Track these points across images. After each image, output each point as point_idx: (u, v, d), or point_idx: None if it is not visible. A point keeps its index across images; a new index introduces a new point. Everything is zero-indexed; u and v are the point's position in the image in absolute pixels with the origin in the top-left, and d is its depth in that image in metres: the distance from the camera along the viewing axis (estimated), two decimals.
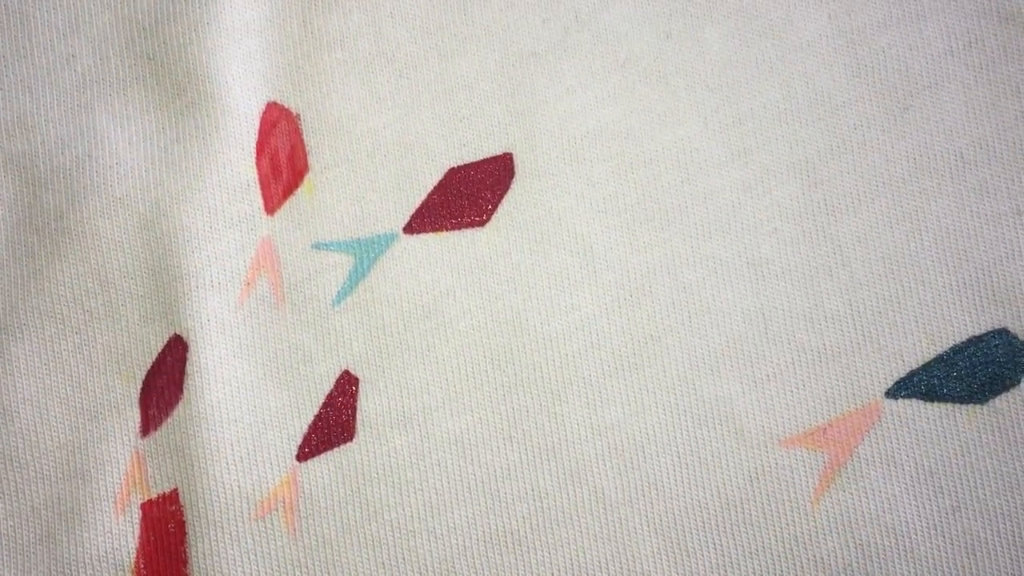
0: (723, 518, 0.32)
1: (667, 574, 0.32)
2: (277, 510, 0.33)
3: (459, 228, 0.34)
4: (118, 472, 0.34)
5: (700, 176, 0.34)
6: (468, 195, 0.34)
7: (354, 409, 0.33)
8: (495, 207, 0.34)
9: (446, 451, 0.33)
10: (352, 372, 0.34)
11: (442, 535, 0.33)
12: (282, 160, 0.35)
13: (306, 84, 0.35)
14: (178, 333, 0.34)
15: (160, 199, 0.35)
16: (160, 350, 0.34)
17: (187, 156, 0.35)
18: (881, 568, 0.31)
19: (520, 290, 0.34)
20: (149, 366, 0.34)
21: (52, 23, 0.36)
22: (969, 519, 0.31)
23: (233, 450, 0.33)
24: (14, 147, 0.35)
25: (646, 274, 0.33)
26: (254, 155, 0.35)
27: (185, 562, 0.33)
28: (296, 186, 0.35)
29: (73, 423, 0.34)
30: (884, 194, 0.33)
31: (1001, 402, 0.32)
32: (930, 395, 0.32)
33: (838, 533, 0.31)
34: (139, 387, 0.34)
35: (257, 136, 0.35)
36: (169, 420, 0.34)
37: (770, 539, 0.32)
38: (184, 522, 0.33)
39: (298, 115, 0.35)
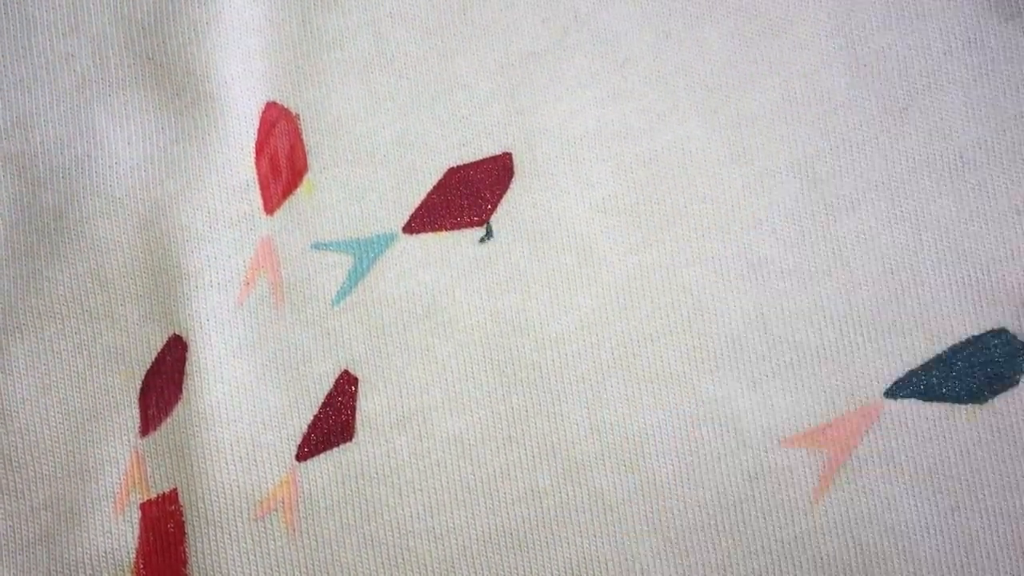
0: (722, 518, 0.32)
1: (667, 574, 0.32)
2: (276, 510, 0.33)
3: (458, 228, 0.34)
4: (117, 472, 0.34)
5: (699, 176, 0.34)
6: (467, 195, 0.34)
7: (353, 409, 0.33)
8: (494, 207, 0.34)
9: (446, 451, 0.33)
10: (351, 372, 0.34)
11: (441, 535, 0.33)
12: (281, 160, 0.35)
13: (305, 84, 0.35)
14: (177, 333, 0.34)
15: (159, 199, 0.35)
16: (159, 350, 0.34)
17: (186, 156, 0.35)
18: (880, 568, 0.31)
19: (519, 290, 0.34)
20: (148, 366, 0.34)
21: (51, 22, 0.36)
22: (968, 519, 0.31)
23: (232, 450, 0.33)
24: (13, 147, 0.35)
25: (645, 274, 0.33)
26: (253, 155, 0.35)
27: (184, 562, 0.33)
28: (295, 186, 0.35)
29: (72, 423, 0.34)
30: (883, 194, 0.33)
31: (1000, 402, 0.32)
32: (929, 395, 0.32)
33: (837, 533, 0.31)
34: (138, 387, 0.34)
35: (256, 136, 0.35)
36: (168, 420, 0.34)
37: (769, 539, 0.32)
38: (183, 522, 0.33)
39: (297, 115, 0.35)
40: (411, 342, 0.34)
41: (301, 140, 0.35)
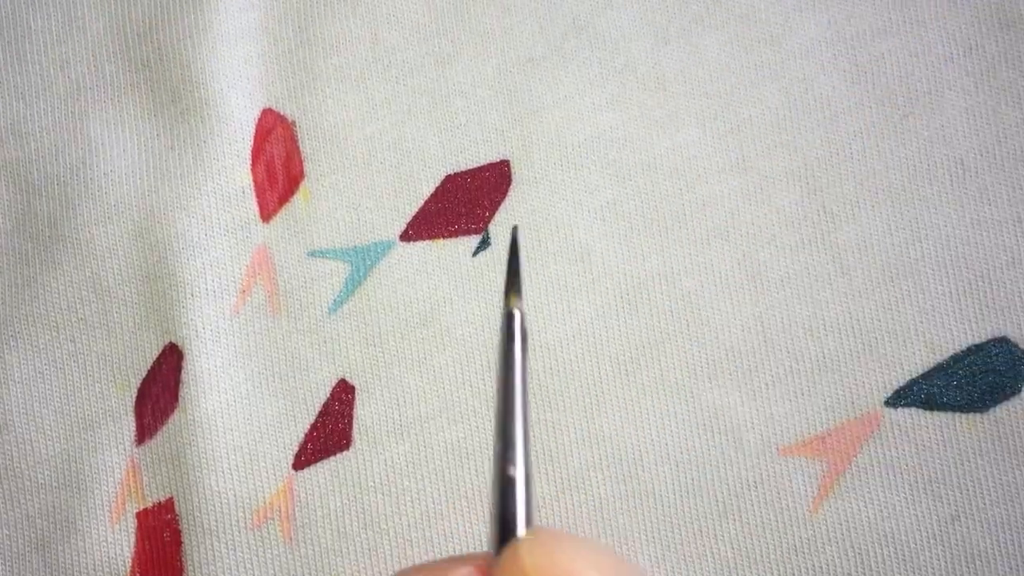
0: (721, 526, 0.32)
1: None
2: (273, 519, 0.33)
3: (456, 235, 0.34)
4: (113, 481, 0.34)
5: (698, 183, 0.33)
6: (465, 202, 0.34)
7: (350, 417, 0.33)
8: (492, 214, 0.34)
9: (443, 459, 0.33)
10: (348, 380, 0.34)
11: (439, 544, 0.33)
12: (278, 167, 0.35)
13: (302, 90, 0.35)
14: (173, 341, 0.34)
15: (154, 206, 0.35)
16: (155, 358, 0.34)
17: (182, 163, 0.35)
18: None
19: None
20: (144, 374, 0.34)
21: (46, 29, 0.36)
22: (968, 528, 0.31)
23: (229, 459, 0.33)
24: (7, 154, 0.35)
25: (644, 281, 0.33)
26: (249, 162, 0.35)
27: (181, 571, 0.33)
28: (292, 193, 0.35)
29: (67, 431, 0.34)
30: (884, 201, 0.33)
31: (1001, 411, 0.32)
32: (930, 404, 0.32)
33: (837, 542, 0.31)
34: (134, 395, 0.34)
35: (252, 143, 0.35)
36: (164, 428, 0.34)
37: (769, 547, 0.32)
38: (179, 531, 0.33)
39: (294, 122, 0.35)
40: (408, 350, 0.33)
41: (297, 147, 0.35)
